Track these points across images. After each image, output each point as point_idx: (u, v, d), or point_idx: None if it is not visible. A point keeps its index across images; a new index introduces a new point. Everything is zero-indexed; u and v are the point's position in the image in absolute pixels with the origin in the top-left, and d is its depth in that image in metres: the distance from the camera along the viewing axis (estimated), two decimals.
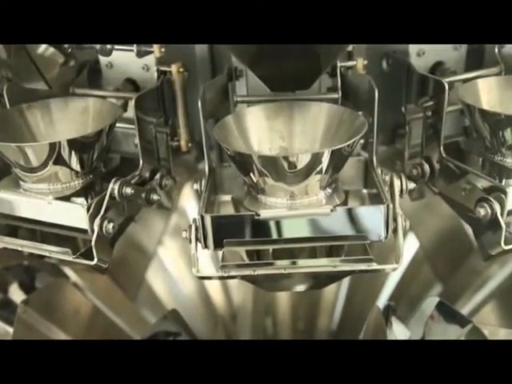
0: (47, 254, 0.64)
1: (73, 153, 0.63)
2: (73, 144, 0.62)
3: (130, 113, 0.71)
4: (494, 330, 0.83)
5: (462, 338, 0.79)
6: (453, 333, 0.80)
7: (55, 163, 0.63)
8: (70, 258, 0.62)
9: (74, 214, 0.62)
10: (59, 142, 0.61)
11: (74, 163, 0.65)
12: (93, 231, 0.61)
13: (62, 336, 0.83)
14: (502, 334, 0.83)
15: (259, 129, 0.65)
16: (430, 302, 0.82)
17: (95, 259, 0.61)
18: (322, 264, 0.61)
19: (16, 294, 0.91)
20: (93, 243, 0.60)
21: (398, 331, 0.77)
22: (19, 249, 0.66)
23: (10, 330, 0.81)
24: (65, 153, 0.62)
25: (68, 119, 0.70)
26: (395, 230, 0.59)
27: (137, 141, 0.70)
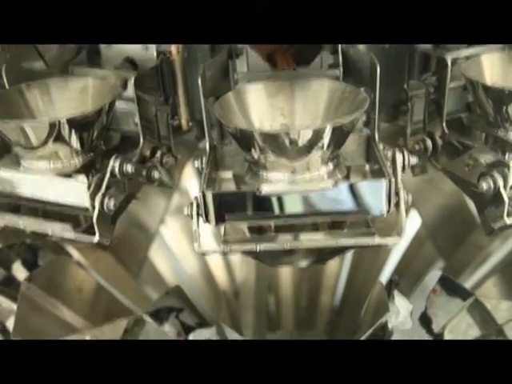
0: (49, 231, 0.64)
1: (73, 131, 0.63)
2: (72, 122, 0.62)
3: (130, 92, 0.70)
4: (495, 303, 0.83)
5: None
6: (455, 306, 0.80)
7: (55, 142, 0.63)
8: (71, 236, 0.63)
9: (75, 192, 0.62)
10: (59, 121, 0.61)
11: (74, 142, 0.64)
12: (94, 208, 0.61)
13: (65, 312, 0.83)
14: (504, 308, 0.84)
15: (260, 106, 0.65)
16: (433, 276, 0.82)
17: (97, 236, 0.61)
18: (325, 239, 0.61)
19: (19, 272, 0.91)
20: (94, 220, 0.61)
21: (401, 305, 0.77)
22: (21, 227, 0.66)
23: (14, 306, 0.82)
24: (65, 131, 0.62)
25: (67, 98, 0.70)
26: (397, 205, 0.59)
27: (137, 120, 0.70)
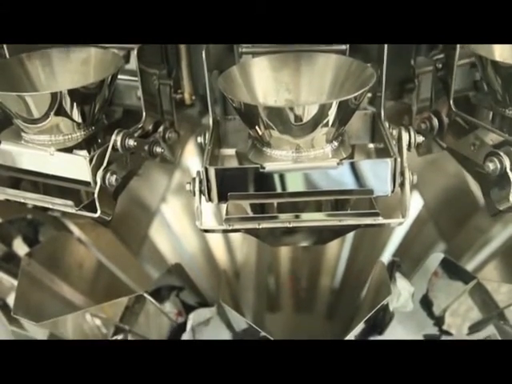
0: (50, 206, 0.64)
1: (74, 104, 0.62)
2: (74, 94, 0.61)
3: (133, 65, 0.69)
4: (496, 285, 0.83)
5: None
6: (456, 289, 0.80)
7: (56, 114, 0.62)
8: (73, 211, 0.62)
9: (77, 166, 0.61)
10: (60, 92, 0.60)
11: (76, 114, 0.64)
12: (95, 183, 0.60)
13: (65, 289, 0.83)
14: (505, 290, 0.83)
15: (265, 80, 0.64)
16: (435, 258, 0.81)
17: (98, 211, 0.61)
18: (328, 218, 0.60)
19: (20, 247, 0.91)
20: (96, 195, 0.60)
21: (402, 287, 0.77)
22: (22, 201, 0.65)
23: (15, 282, 0.82)
24: (66, 103, 0.61)
25: (69, 70, 0.69)
26: (402, 184, 0.58)
27: (139, 93, 0.69)
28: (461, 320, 0.86)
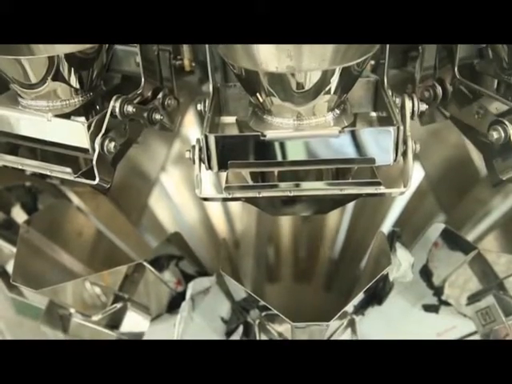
0: (48, 172, 0.63)
1: (72, 68, 0.61)
2: (71, 59, 0.60)
3: None
4: (496, 256, 0.83)
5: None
6: (456, 259, 0.80)
7: (54, 79, 0.61)
8: (71, 178, 0.62)
9: (75, 132, 0.60)
10: (57, 56, 0.59)
11: (73, 80, 0.63)
12: (94, 150, 0.60)
13: (64, 257, 0.83)
14: (503, 261, 0.84)
15: (266, 46, 0.62)
16: (435, 229, 0.81)
17: (97, 178, 0.60)
18: (329, 187, 0.60)
19: (18, 215, 0.91)
20: (94, 162, 0.59)
21: (402, 257, 0.77)
22: (20, 167, 0.65)
23: (14, 249, 0.81)
24: (63, 68, 0.60)
25: None
26: (404, 153, 0.57)
27: (138, 59, 0.68)
28: (460, 290, 0.86)
